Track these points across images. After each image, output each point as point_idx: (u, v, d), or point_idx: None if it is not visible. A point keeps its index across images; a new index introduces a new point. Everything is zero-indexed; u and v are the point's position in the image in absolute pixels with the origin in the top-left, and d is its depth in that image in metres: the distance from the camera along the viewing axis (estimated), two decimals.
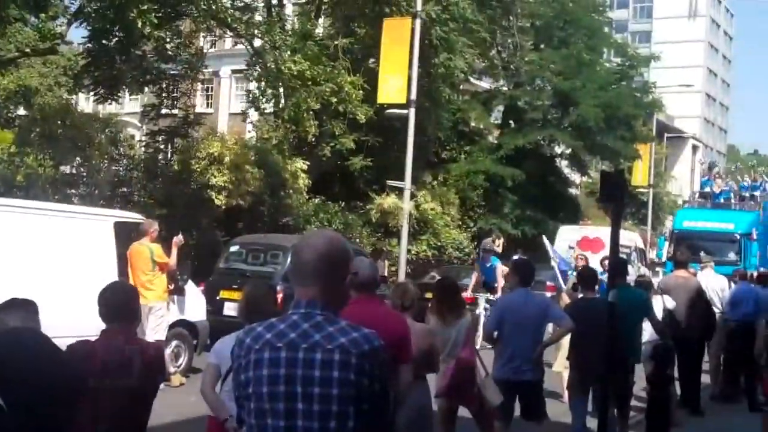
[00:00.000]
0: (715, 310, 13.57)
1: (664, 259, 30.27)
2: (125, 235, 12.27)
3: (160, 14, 24.32)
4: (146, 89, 29.12)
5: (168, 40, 26.54)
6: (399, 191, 26.72)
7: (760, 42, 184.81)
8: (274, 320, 3.16)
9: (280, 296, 14.35)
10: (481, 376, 8.00)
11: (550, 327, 9.11)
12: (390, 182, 26.70)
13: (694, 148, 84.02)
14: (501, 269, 19.55)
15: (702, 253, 27.46)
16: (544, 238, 25.66)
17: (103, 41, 23.31)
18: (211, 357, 5.94)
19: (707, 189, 35.07)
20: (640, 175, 45.66)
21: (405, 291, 6.99)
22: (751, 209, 32.86)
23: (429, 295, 9.14)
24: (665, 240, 31.47)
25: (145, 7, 20.54)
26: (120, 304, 4.93)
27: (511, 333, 8.13)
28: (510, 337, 8.14)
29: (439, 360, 7.23)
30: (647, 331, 10.21)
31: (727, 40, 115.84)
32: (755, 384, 12.86)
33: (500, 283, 18.98)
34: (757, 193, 34.88)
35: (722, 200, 34.34)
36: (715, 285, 14.64)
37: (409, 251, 26.84)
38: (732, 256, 28.48)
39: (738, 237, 29.15)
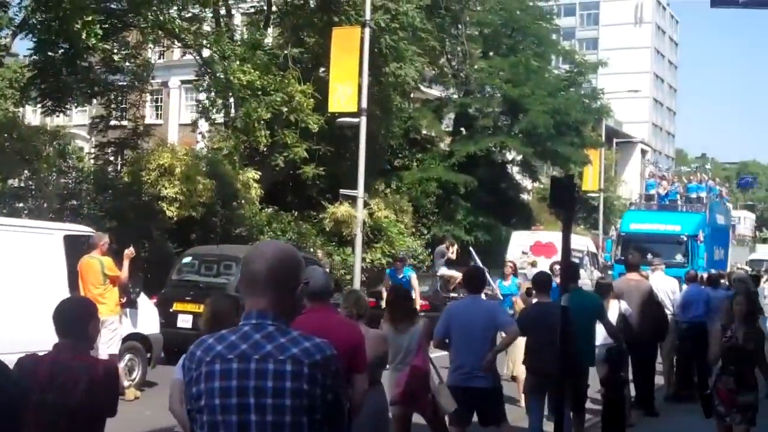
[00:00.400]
0: (667, 312, 13.72)
1: (611, 262, 30.43)
2: (75, 248, 12.10)
3: (107, 25, 24.13)
4: (94, 101, 28.80)
5: (115, 51, 26.31)
6: (352, 200, 26.71)
7: (705, 48, 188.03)
8: (224, 332, 3.12)
9: None
10: (434, 383, 8.02)
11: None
12: (343, 191, 26.68)
13: (643, 152, 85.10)
14: (416, 280, 19.71)
15: (649, 256, 27.76)
16: (471, 249, 25.98)
17: (49, 53, 23.01)
18: (177, 372, 5.83)
19: (653, 191, 35.21)
20: (590, 180, 46.04)
21: (357, 299, 6.99)
22: (698, 211, 32.83)
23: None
24: (612, 243, 31.84)
25: (90, 18, 20.32)
26: (71, 319, 4.84)
27: (459, 339, 8.17)
28: (458, 343, 8.19)
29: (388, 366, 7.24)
30: (601, 335, 10.29)
31: (672, 46, 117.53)
32: (711, 391, 13.00)
33: (417, 294, 18.83)
34: (703, 194, 34.66)
35: (668, 202, 34.35)
36: (666, 287, 14.82)
37: (363, 259, 26.82)
38: (679, 257, 28.59)
39: (685, 239, 29.32)
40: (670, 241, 28.81)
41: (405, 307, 8.14)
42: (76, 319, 4.86)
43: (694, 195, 34.90)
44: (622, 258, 28.35)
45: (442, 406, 8.02)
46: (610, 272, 32.33)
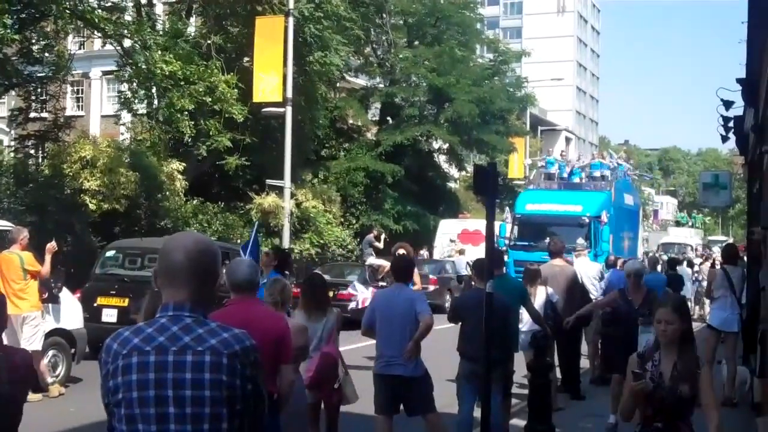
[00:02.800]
0: (591, 297, 13.91)
1: (504, 247, 26.88)
2: None
3: (24, 15, 23.59)
4: (12, 92, 28.15)
5: (33, 41, 25.75)
6: (279, 190, 26.60)
7: (625, 36, 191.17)
8: (141, 324, 3.09)
9: None
10: (341, 373, 8.06)
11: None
12: (269, 181, 26.55)
13: (567, 139, 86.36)
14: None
15: (547, 240, 26.64)
16: (365, 238, 26.01)
17: None
18: None
19: (552, 169, 32.32)
20: (516, 167, 46.53)
21: (283, 287, 6.98)
22: (602, 189, 29.88)
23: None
24: (507, 225, 28.49)
25: None
26: None
27: (381, 327, 8.22)
28: (381, 331, 8.23)
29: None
30: (526, 320, 10.41)
31: (594, 34, 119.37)
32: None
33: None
34: (607, 173, 31.86)
35: (572, 180, 31.50)
36: (591, 272, 15.03)
37: (292, 250, 26.71)
38: (581, 241, 25.77)
39: (587, 220, 26.67)
40: (571, 223, 26.15)
41: (319, 296, 8.15)
42: None
43: (597, 173, 31.68)
44: (518, 243, 27.20)
45: (346, 396, 8.11)
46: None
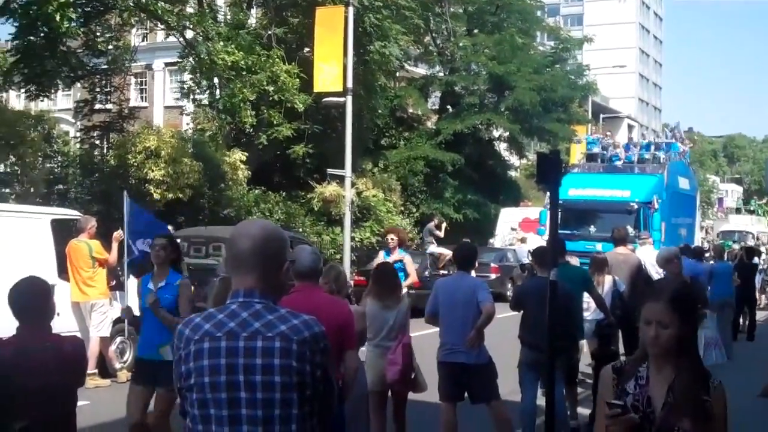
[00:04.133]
0: None
1: (545, 236, 24.51)
2: (63, 232, 12.06)
3: (89, 8, 23.96)
4: (78, 85, 28.63)
5: (98, 34, 26.15)
6: (340, 179, 26.70)
7: (689, 22, 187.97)
8: (212, 310, 3.14)
9: None
10: (416, 362, 8.10)
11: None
12: (330, 170, 26.66)
13: (630, 127, 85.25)
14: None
15: (592, 228, 24.56)
16: (426, 227, 25.79)
17: (30, 37, 22.84)
18: None
19: (596, 149, 29.75)
20: (577, 155, 45.93)
21: (338, 274, 7.01)
22: (653, 172, 27.52)
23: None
24: (547, 213, 27.46)
25: (64, 1, 20.12)
26: (27, 301, 4.82)
27: (444, 315, 8.24)
28: (443, 319, 8.26)
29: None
30: (592, 308, 10.34)
31: (657, 21, 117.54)
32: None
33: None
34: (661, 154, 29.27)
35: (614, 163, 28.81)
36: (654, 261, 14.85)
37: (352, 238, 26.83)
38: (629, 230, 24.61)
39: (635, 206, 24.53)
40: (618, 209, 24.06)
41: (391, 284, 8.17)
42: (33, 300, 4.85)
43: (648, 154, 29.19)
44: (560, 231, 25.91)
45: (419, 384, 8.15)
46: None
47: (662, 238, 23.62)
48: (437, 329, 8.48)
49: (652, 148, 29.85)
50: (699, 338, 8.21)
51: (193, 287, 10.44)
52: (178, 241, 9.56)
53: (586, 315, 10.19)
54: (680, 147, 31.70)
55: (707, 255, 18.65)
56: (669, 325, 3.44)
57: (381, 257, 13.29)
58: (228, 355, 3.00)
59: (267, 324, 3.03)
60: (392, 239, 12.88)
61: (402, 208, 33.14)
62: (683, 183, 30.14)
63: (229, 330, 3.03)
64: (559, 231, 24.99)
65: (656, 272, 14.48)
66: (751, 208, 70.55)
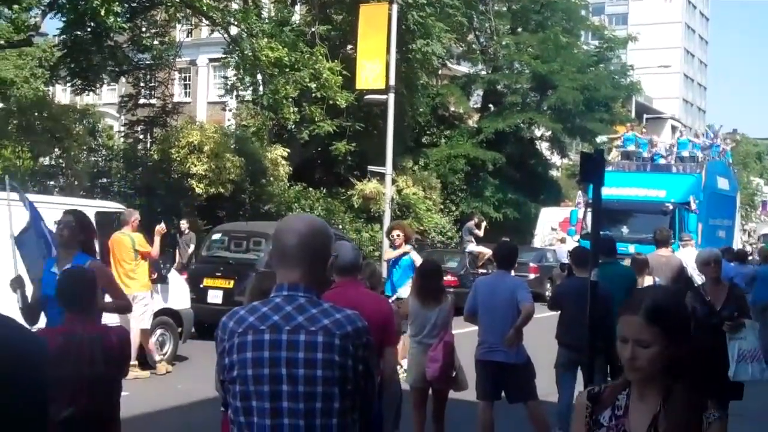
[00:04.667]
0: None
1: (576, 237, 23.93)
2: (106, 224, 12.19)
3: (135, 4, 24.18)
4: (123, 79, 28.93)
5: (143, 30, 26.39)
6: (380, 176, 26.73)
7: (735, 22, 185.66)
8: (256, 303, 3.15)
9: None
10: (457, 361, 8.10)
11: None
12: (371, 168, 26.70)
13: (674, 128, 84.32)
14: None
15: (624, 229, 23.12)
16: (465, 225, 25.37)
17: (77, 32, 23.10)
18: None
19: (630, 147, 28.19)
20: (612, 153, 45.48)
21: (373, 271, 7.05)
22: (690, 172, 26.21)
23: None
24: (578, 213, 24.88)
25: None
26: (74, 291, 4.88)
27: (483, 314, 8.24)
28: (483, 318, 8.27)
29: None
30: None
31: (703, 21, 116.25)
32: None
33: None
34: (698, 152, 27.82)
35: (659, 161, 27.47)
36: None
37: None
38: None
39: (671, 207, 23.16)
40: (652, 210, 22.71)
41: (433, 284, 8.17)
42: (82, 290, 4.91)
43: (686, 153, 27.61)
44: (588, 233, 23.08)
45: (460, 382, 8.14)
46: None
47: (699, 240, 22.09)
48: (476, 328, 8.49)
49: (690, 146, 28.39)
50: (732, 350, 7.51)
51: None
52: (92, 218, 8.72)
53: None
54: (721, 146, 30.69)
55: (751, 258, 18.35)
56: (650, 343, 2.78)
57: (388, 251, 13.29)
58: (271, 348, 3.02)
59: (310, 318, 3.04)
60: (398, 235, 12.39)
61: (442, 206, 33.10)
62: (722, 183, 28.81)
63: (273, 323, 3.05)
64: (589, 232, 23.22)
65: (698, 275, 14.38)
66: None
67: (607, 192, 23.59)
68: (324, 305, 3.10)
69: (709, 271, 8.51)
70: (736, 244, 27.46)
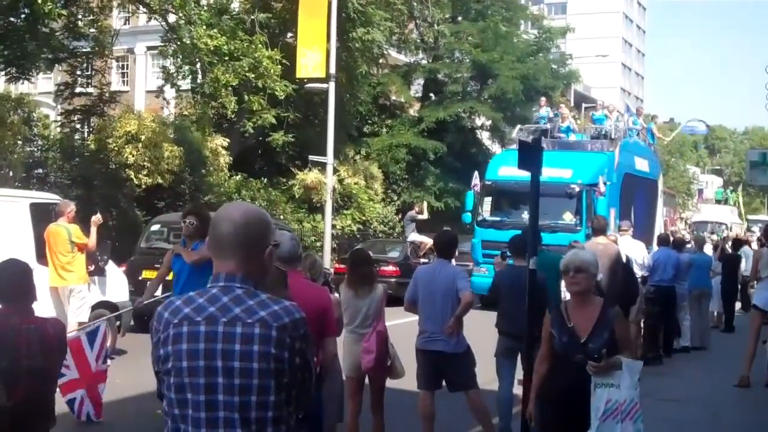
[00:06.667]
0: (636, 277, 13.77)
1: (470, 223, 23.04)
2: (42, 216, 11.99)
3: None
4: (58, 67, 28.41)
5: (79, 17, 25.93)
6: (322, 166, 26.67)
7: (671, 12, 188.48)
8: (192, 294, 3.11)
9: None
10: (392, 348, 8.10)
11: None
12: (312, 157, 26.63)
13: (617, 120, 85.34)
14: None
15: (524, 214, 19.80)
16: (407, 215, 25.18)
17: (11, 18, 22.65)
18: None
19: (545, 124, 25.95)
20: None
21: (313, 262, 7.04)
22: (601, 150, 23.68)
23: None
24: (475, 196, 22.96)
25: None
26: (10, 283, 4.82)
27: (424, 303, 8.26)
28: (423, 307, 8.28)
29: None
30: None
31: (641, 10, 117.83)
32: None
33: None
34: (612, 129, 25.36)
35: (567, 139, 25.14)
36: (635, 251, 14.89)
37: (333, 226, 26.84)
38: (568, 216, 21.03)
39: (576, 189, 21.00)
40: (556, 192, 19.79)
41: (365, 272, 8.16)
42: (15, 281, 4.85)
43: (598, 129, 25.50)
44: (487, 218, 22.51)
45: (396, 370, 8.13)
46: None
47: (611, 225, 18.88)
48: (416, 317, 8.50)
49: (607, 122, 25.93)
50: (597, 401, 5.52)
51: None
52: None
53: None
54: (641, 123, 28.73)
55: (688, 246, 18.65)
56: None
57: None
58: (207, 340, 2.98)
59: (247, 309, 3.00)
60: (191, 223, 8.98)
61: (383, 196, 33.13)
62: (641, 164, 26.34)
63: (209, 315, 3.00)
64: (487, 218, 22.05)
65: (638, 266, 14.55)
66: (719, 198, 70.59)
67: (505, 172, 21.19)
68: (261, 296, 3.06)
69: (569, 282, 5.85)
70: (657, 231, 25.67)
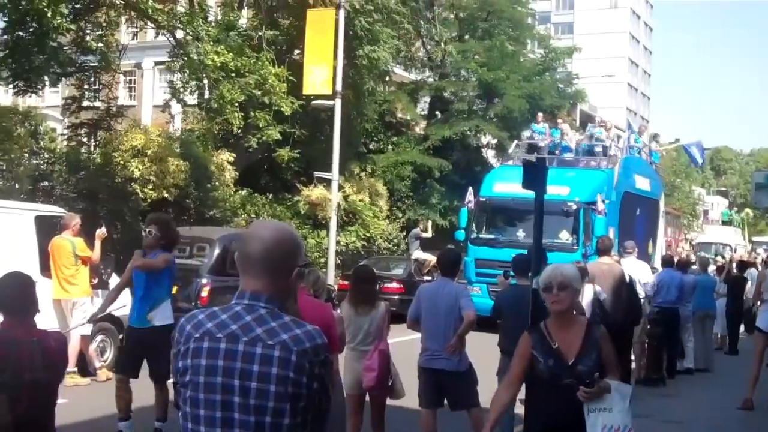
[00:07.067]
0: (640, 297, 13.74)
1: (463, 240, 22.10)
2: (47, 229, 12.02)
3: (78, 5, 23.87)
4: (66, 81, 28.53)
5: (87, 31, 26.07)
6: (327, 182, 26.69)
7: (678, 33, 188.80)
8: (216, 309, 3.11)
9: (207, 289, 14.26)
10: (394, 367, 8.10)
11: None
12: (317, 174, 26.65)
13: (618, 137, 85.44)
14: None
15: (520, 232, 20.57)
16: (411, 232, 25.03)
17: (19, 32, 22.75)
18: None
19: (541, 139, 25.51)
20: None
21: (316, 279, 7.06)
22: (600, 167, 23.18)
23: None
24: (469, 213, 22.06)
25: None
26: (13, 295, 4.82)
27: (426, 321, 8.27)
28: (425, 325, 8.30)
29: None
30: None
31: (647, 31, 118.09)
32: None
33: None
34: (609, 143, 24.92)
35: (566, 155, 24.35)
36: (639, 271, 14.85)
37: (338, 243, 26.82)
38: (564, 235, 20.24)
39: (574, 207, 20.26)
40: (553, 210, 17.60)
41: (366, 290, 8.16)
42: (18, 294, 4.84)
43: (598, 147, 24.63)
44: (481, 236, 21.71)
45: (397, 390, 8.13)
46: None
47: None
48: (419, 335, 8.50)
49: (607, 140, 25.26)
50: (593, 428, 5.19)
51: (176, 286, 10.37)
52: None
53: None
54: (642, 141, 28.23)
55: (693, 267, 18.61)
56: None
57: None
58: (226, 357, 2.98)
59: (269, 331, 2.99)
60: (150, 232, 8.93)
61: (388, 213, 33.13)
62: (642, 183, 25.72)
63: (231, 332, 3.00)
64: (481, 235, 21.50)
65: (642, 286, 14.52)
66: (725, 219, 70.44)
67: (501, 188, 20.97)
68: (285, 318, 3.05)
69: (552, 300, 5.27)
70: (659, 253, 25.57)
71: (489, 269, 18.11)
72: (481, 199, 22.06)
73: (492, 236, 21.64)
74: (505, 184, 20.79)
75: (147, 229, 8.84)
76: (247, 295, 3.07)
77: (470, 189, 23.01)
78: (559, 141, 25.02)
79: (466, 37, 40.56)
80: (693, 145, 36.49)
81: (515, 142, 28.32)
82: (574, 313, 5.50)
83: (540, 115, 28.38)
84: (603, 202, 20.72)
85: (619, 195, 22.69)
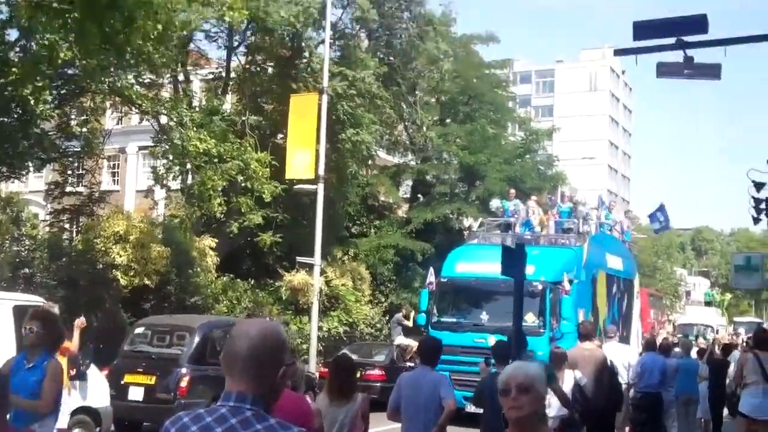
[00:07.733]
0: (621, 381, 13.69)
1: (423, 325, 21.12)
2: (25, 318, 11.88)
3: (63, 90, 24.05)
4: (49, 167, 28.58)
5: (72, 117, 26.23)
6: (309, 267, 26.64)
7: (657, 115, 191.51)
8: (201, 411, 3.08)
9: (186, 379, 14.10)
10: None
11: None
12: (300, 259, 26.60)
13: (587, 214, 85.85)
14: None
15: (484, 315, 19.65)
16: (394, 317, 24.81)
17: (4, 119, 22.87)
18: None
19: (510, 217, 25.05)
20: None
21: (294, 370, 6.96)
22: (567, 245, 22.34)
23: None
24: (430, 295, 21.04)
25: (41, 84, 20.20)
26: None
27: (407, 410, 8.21)
28: (406, 414, 8.24)
29: None
30: (555, 405, 10.25)
31: (626, 113, 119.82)
32: None
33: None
34: (580, 224, 24.32)
35: (524, 232, 23.81)
36: (621, 356, 14.81)
37: (320, 328, 26.66)
38: (530, 317, 18.49)
39: (539, 287, 19.03)
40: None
41: (344, 380, 8.06)
42: None
43: (567, 223, 24.32)
44: (442, 319, 20.46)
45: None
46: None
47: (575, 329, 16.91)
48: (399, 426, 8.41)
49: (576, 216, 24.71)
50: None
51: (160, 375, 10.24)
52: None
53: (549, 412, 10.08)
54: (613, 217, 27.59)
55: (676, 350, 18.53)
56: None
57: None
58: None
59: None
60: (30, 329, 7.31)
61: (371, 297, 33.00)
62: (614, 262, 24.62)
63: None
64: (443, 319, 20.37)
65: (622, 367, 14.48)
66: (708, 300, 70.56)
67: (463, 268, 20.39)
68: (270, 421, 3.02)
69: (509, 405, 4.08)
70: (635, 336, 25.13)
71: (451, 356, 16.55)
72: (442, 279, 21.00)
73: (454, 320, 20.49)
74: (468, 263, 20.44)
75: (28, 327, 7.32)
76: (233, 397, 3.04)
77: (431, 269, 22.44)
78: (524, 218, 24.59)
79: (448, 120, 41.01)
80: (656, 210, 36.72)
81: (480, 220, 27.72)
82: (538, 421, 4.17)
83: (512, 192, 27.71)
84: (570, 281, 19.83)
85: (590, 274, 21.80)
